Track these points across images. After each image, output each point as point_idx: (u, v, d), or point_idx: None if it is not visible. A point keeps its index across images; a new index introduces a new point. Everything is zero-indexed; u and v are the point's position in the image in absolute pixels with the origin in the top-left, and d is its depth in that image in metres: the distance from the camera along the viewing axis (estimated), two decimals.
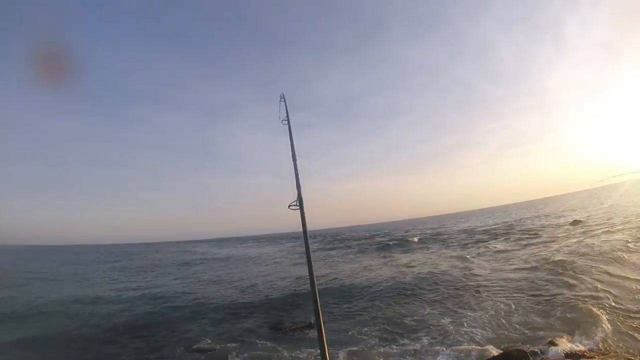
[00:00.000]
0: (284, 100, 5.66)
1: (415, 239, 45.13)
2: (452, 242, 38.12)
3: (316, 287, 3.91)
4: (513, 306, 12.90)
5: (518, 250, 25.94)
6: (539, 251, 23.57)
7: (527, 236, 33.29)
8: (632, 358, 7.68)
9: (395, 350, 10.33)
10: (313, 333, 12.34)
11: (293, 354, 10.66)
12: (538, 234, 33.33)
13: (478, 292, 15.46)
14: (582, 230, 31.14)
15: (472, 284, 17.02)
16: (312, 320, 13.38)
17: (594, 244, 22.44)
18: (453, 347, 9.98)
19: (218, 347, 11.81)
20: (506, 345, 9.59)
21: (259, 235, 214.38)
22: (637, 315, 10.48)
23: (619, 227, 28.57)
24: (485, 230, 47.62)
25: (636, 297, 12.05)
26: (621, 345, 8.87)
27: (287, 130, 5.41)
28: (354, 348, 10.71)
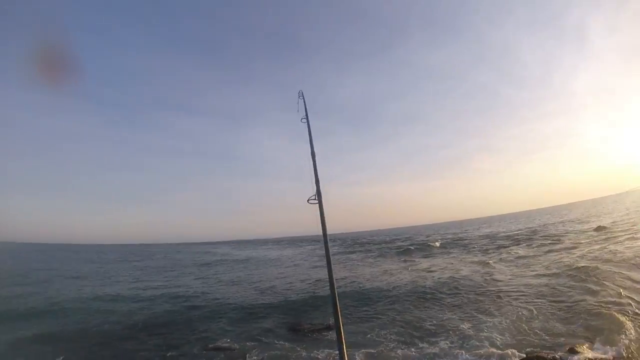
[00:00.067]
0: (303, 98, 5.78)
1: (437, 244, 44.79)
2: (473, 247, 37.65)
3: (335, 287, 3.96)
4: (534, 312, 12.71)
5: (540, 256, 25.45)
6: (562, 257, 23.09)
7: (549, 242, 32.62)
8: None
9: (413, 354, 10.32)
10: (331, 335, 12.41)
11: (311, 355, 10.75)
12: (561, 240, 32.64)
13: (499, 297, 15.27)
14: (605, 236, 30.39)
15: (493, 289, 16.81)
16: (331, 322, 13.45)
17: (617, 250, 21.91)
18: (473, 352, 9.92)
19: (236, 347, 11.98)
20: (527, 351, 9.48)
21: (280, 238, 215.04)
22: None
23: None
24: (507, 235, 46.83)
25: None
26: None
27: (306, 127, 5.51)
28: (372, 350, 10.73)
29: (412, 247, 43.68)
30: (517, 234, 46.27)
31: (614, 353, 8.85)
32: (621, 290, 13.70)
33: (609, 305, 12.17)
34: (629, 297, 12.76)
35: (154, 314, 16.82)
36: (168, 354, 11.56)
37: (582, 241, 29.64)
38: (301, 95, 5.78)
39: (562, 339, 10.19)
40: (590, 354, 8.69)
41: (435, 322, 13.01)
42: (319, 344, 11.60)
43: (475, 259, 27.97)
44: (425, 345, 10.90)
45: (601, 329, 10.46)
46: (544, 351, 9.23)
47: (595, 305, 12.45)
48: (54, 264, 47.53)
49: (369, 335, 12.14)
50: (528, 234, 44.15)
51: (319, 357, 10.57)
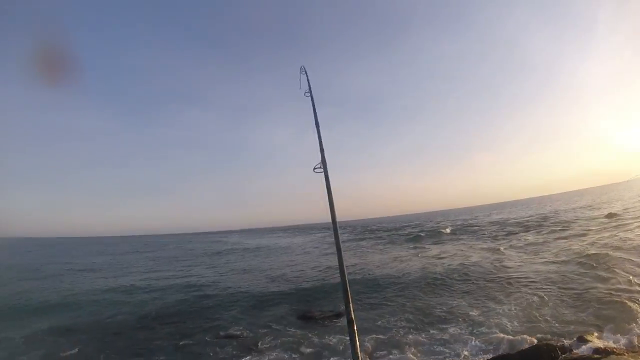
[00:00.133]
0: (305, 73, 5.76)
1: (447, 230, 44.76)
2: (483, 234, 37.61)
3: (346, 273, 3.98)
4: (544, 299, 12.72)
5: (550, 242, 25.36)
6: (572, 244, 22.99)
7: (560, 228, 32.47)
8: None
9: (424, 339, 10.42)
10: (342, 322, 12.53)
11: (323, 341, 10.90)
12: (571, 227, 32.47)
13: (509, 284, 15.29)
14: (616, 223, 30.22)
15: (503, 276, 16.82)
16: (341, 309, 13.59)
17: (628, 237, 21.78)
18: (482, 338, 10.00)
19: (248, 334, 12.18)
20: (537, 337, 9.50)
21: (289, 226, 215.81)
22: None
23: None
24: (518, 222, 46.61)
25: None
26: None
27: (309, 100, 5.50)
28: (382, 336, 10.86)
29: (422, 234, 43.76)
30: (528, 221, 46.02)
31: (625, 342, 8.73)
32: (632, 277, 13.63)
33: (619, 293, 12.12)
34: (639, 285, 12.71)
35: (166, 303, 17.09)
36: (181, 343, 11.76)
37: (593, 228, 29.47)
38: (303, 70, 5.75)
39: (572, 326, 10.19)
40: (600, 343, 8.54)
41: (445, 308, 13.08)
42: (330, 331, 11.75)
43: (485, 246, 28.00)
44: (435, 331, 10.99)
45: (612, 317, 10.41)
46: (554, 338, 9.24)
47: (605, 293, 12.39)
48: (65, 258, 48.00)
49: (379, 322, 12.25)
50: (538, 221, 43.91)
51: (331, 343, 10.71)
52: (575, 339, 9.01)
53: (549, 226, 36.14)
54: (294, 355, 10.25)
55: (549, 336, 9.56)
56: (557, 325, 10.47)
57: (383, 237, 47.72)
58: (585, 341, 8.66)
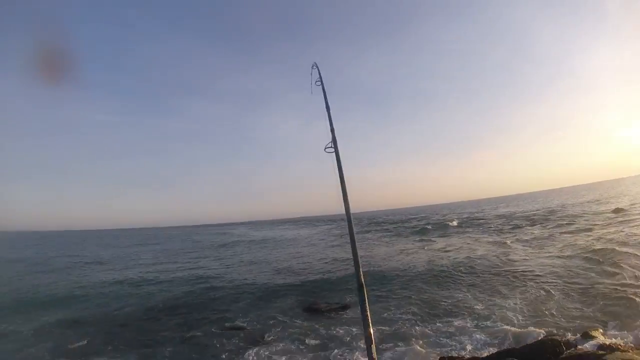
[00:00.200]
0: (317, 68, 5.76)
1: (454, 223, 44.77)
2: (490, 227, 37.57)
3: (355, 240, 3.98)
4: (550, 293, 12.73)
5: (556, 237, 25.26)
6: (578, 239, 22.92)
7: (566, 223, 32.37)
8: None
9: (429, 332, 10.50)
10: (348, 314, 12.69)
11: (329, 333, 10.99)
12: (578, 221, 32.38)
13: (515, 277, 15.31)
14: (623, 218, 30.08)
15: (508, 269, 16.83)
16: (347, 301, 13.74)
17: (634, 232, 21.65)
18: (488, 331, 10.05)
19: (255, 326, 12.31)
20: (542, 331, 9.50)
21: (296, 218, 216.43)
22: None
23: None
24: (524, 216, 46.48)
25: None
26: None
27: (321, 91, 5.53)
28: (388, 328, 10.94)
29: (429, 227, 43.86)
30: (534, 214, 45.90)
31: (631, 338, 8.57)
32: (638, 273, 13.58)
33: (625, 289, 12.05)
34: None
35: (173, 295, 17.31)
36: (187, 334, 11.91)
37: (599, 223, 29.34)
38: (315, 66, 5.76)
39: (577, 322, 10.17)
40: (605, 339, 8.42)
41: (451, 301, 13.15)
42: (336, 323, 11.84)
43: (492, 239, 27.99)
44: (441, 324, 11.06)
45: (617, 313, 10.35)
46: (559, 333, 9.24)
47: (611, 289, 12.33)
48: (73, 251, 48.54)
49: (384, 314, 12.33)
50: (545, 215, 43.79)
51: (337, 335, 10.80)
52: (580, 334, 8.92)
53: (555, 220, 36.04)
54: (300, 347, 10.34)
55: (554, 331, 9.58)
56: (562, 320, 10.48)
57: (389, 230, 47.80)
58: (590, 337, 8.56)
